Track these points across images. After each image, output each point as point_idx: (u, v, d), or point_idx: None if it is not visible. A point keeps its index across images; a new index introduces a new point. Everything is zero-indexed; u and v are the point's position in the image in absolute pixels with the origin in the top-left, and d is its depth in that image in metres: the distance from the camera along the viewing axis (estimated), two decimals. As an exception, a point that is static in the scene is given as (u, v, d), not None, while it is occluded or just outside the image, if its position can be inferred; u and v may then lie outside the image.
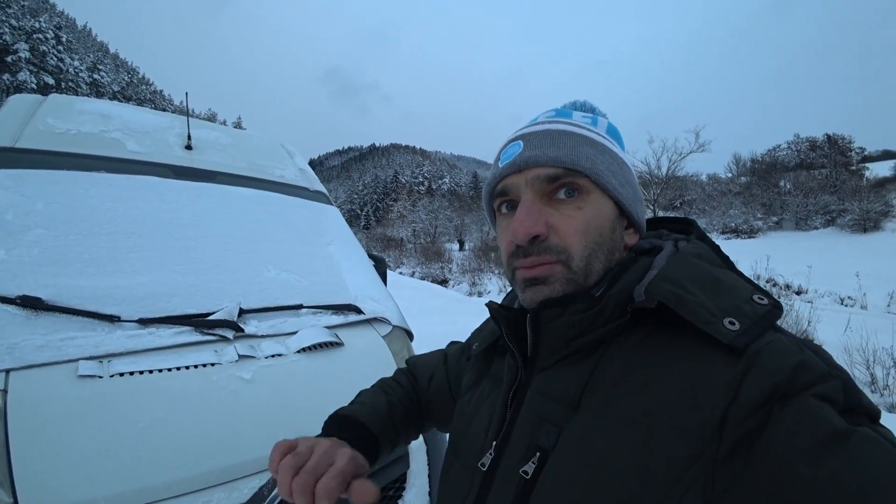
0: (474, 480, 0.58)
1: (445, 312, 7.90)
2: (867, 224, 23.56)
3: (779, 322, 0.48)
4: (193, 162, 2.00)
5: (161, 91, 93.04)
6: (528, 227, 0.54)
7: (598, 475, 0.45)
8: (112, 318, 1.29)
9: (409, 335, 2.09)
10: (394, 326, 1.97)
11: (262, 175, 2.26)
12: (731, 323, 0.44)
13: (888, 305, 9.57)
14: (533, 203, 0.55)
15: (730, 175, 46.24)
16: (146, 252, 1.53)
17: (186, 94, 2.21)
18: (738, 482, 0.38)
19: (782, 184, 34.36)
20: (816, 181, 31.22)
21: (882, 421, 0.41)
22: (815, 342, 0.47)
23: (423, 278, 19.85)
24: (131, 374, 1.19)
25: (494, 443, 0.57)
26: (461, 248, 36.29)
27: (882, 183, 32.00)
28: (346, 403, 1.49)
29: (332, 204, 2.61)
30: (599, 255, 0.55)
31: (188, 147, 2.04)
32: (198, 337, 1.36)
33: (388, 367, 1.74)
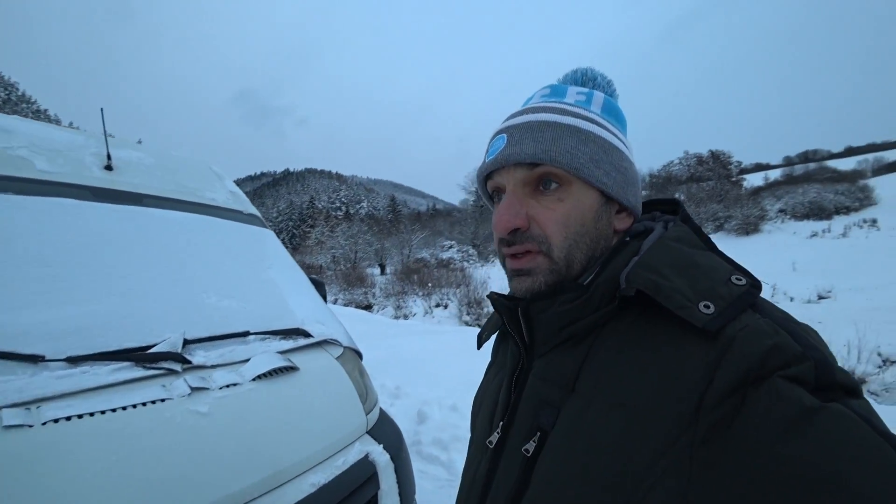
0: (484, 457, 0.62)
1: (375, 337, 7.74)
2: (749, 227, 27.21)
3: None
4: (115, 184, 1.81)
5: (45, 111, 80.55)
6: (507, 221, 0.57)
7: (589, 456, 0.47)
8: (34, 359, 1.14)
9: (359, 355, 2.05)
10: (345, 347, 1.93)
11: (192, 198, 2.11)
12: (706, 306, 0.45)
13: (772, 295, 12.18)
14: (514, 197, 0.58)
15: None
16: (69, 282, 1.36)
17: (102, 109, 2.01)
18: (714, 466, 0.39)
19: (677, 195, 38.03)
20: (705, 192, 34.88)
21: None
22: (801, 320, 0.48)
23: (346, 304, 19.25)
24: (68, 419, 1.04)
25: (501, 423, 0.60)
26: (382, 272, 35.84)
27: (757, 191, 37.05)
28: (308, 427, 1.41)
29: (266, 227, 2.50)
30: (581, 246, 0.57)
31: (108, 167, 1.84)
32: (141, 372, 1.23)
33: (344, 388, 1.70)
